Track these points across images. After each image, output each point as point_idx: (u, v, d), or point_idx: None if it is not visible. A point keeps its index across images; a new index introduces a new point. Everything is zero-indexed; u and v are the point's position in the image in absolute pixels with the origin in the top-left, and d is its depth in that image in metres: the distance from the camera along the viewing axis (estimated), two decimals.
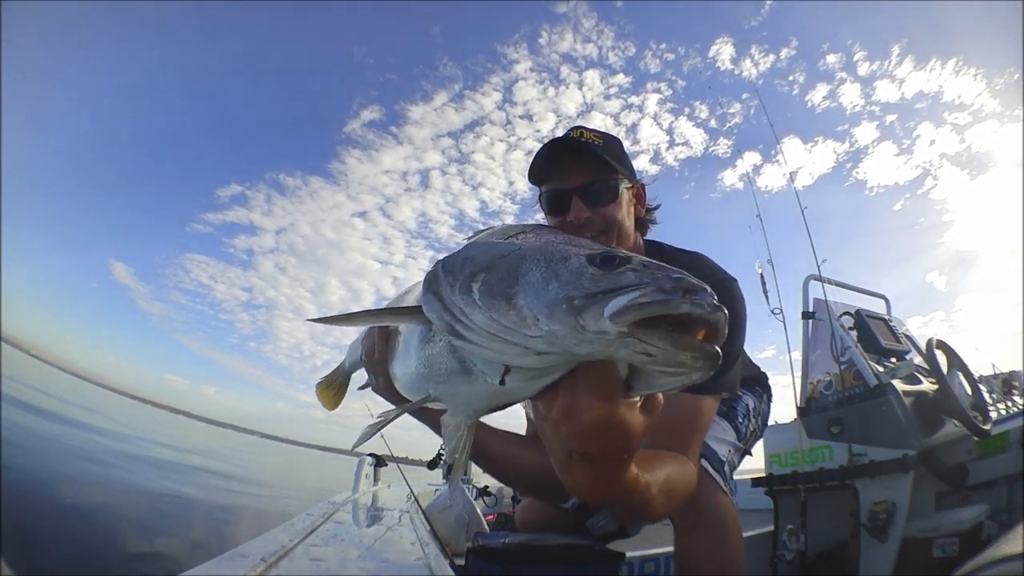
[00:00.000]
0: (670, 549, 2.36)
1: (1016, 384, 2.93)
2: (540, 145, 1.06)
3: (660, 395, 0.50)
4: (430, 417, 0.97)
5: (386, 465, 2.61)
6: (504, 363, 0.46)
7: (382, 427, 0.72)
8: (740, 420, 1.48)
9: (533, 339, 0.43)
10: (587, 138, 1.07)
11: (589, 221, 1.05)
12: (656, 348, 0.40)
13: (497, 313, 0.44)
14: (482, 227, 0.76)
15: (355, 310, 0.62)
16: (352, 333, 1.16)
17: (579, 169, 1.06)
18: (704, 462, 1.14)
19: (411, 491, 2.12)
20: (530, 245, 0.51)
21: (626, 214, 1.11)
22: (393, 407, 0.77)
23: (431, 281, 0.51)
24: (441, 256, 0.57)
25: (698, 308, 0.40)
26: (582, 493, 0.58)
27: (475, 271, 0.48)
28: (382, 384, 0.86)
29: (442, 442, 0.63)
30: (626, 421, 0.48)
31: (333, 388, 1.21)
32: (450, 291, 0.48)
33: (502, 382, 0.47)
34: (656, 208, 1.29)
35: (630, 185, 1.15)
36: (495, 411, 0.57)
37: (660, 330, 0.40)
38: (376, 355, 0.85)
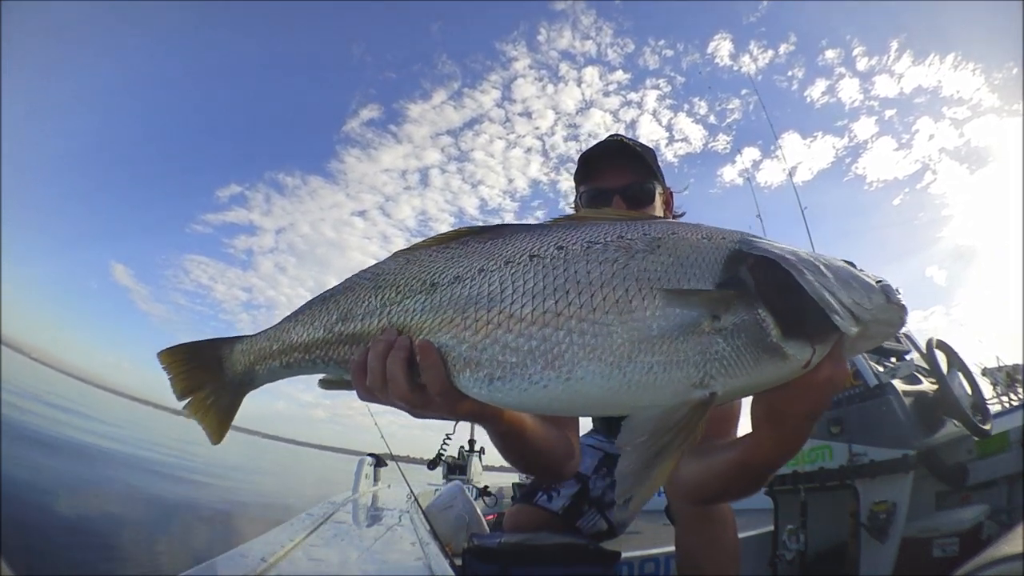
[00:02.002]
0: (670, 549, 2.37)
1: (1019, 377, 2.93)
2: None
3: None
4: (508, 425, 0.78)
5: (386, 465, 2.61)
6: (846, 332, 0.52)
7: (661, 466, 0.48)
8: None
9: (866, 310, 0.54)
10: (630, 144, 1.14)
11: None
12: (904, 316, 0.59)
13: (849, 290, 0.54)
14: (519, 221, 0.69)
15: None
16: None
17: (622, 171, 1.14)
18: None
19: (411, 491, 2.12)
20: None
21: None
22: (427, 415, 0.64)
23: (790, 264, 0.52)
24: None
25: None
26: (794, 451, 0.68)
27: (811, 261, 0.55)
28: (442, 399, 0.59)
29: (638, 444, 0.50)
30: None
31: (223, 410, 0.77)
32: (809, 273, 0.52)
33: (807, 364, 0.52)
34: (682, 215, 1.34)
35: (662, 191, 1.23)
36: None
37: None
38: (434, 365, 0.57)
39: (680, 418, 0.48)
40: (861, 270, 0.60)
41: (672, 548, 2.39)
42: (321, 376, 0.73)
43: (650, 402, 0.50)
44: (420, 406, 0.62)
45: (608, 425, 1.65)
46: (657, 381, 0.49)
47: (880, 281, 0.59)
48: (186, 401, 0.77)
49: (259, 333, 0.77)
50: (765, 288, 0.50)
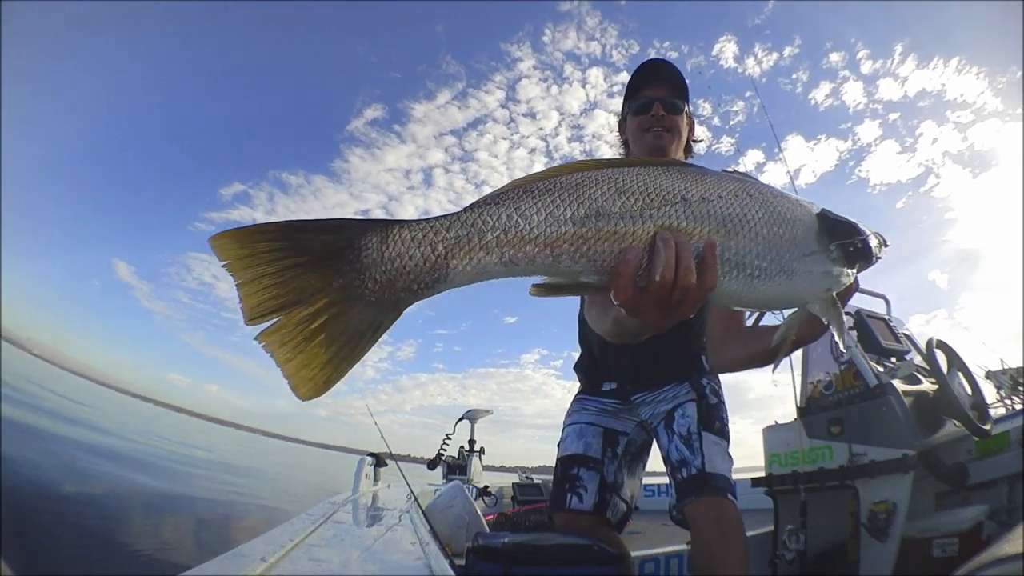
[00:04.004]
0: (670, 549, 2.37)
1: (1023, 380, 2.91)
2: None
3: None
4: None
5: (386, 465, 2.61)
6: (873, 263, 0.86)
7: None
8: (727, 424, 1.54)
9: (877, 250, 0.85)
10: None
11: (663, 119, 1.40)
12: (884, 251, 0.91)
13: (873, 239, 0.83)
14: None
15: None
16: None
17: (663, 86, 1.43)
18: (730, 496, 1.36)
19: (411, 491, 2.12)
20: None
21: (683, 130, 1.46)
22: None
23: (858, 226, 0.81)
24: None
25: None
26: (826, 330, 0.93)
27: (861, 224, 0.86)
28: (702, 295, 0.68)
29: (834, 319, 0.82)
30: None
31: (353, 335, 0.54)
32: (867, 232, 0.81)
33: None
34: (700, 141, 1.62)
35: (688, 113, 1.49)
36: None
37: None
38: (715, 264, 0.67)
39: (835, 305, 0.81)
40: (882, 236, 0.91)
41: (671, 548, 2.41)
42: (542, 280, 0.66)
43: (809, 299, 0.80)
44: (688, 300, 0.67)
45: (622, 388, 1.65)
46: (819, 285, 0.78)
47: (877, 232, 0.88)
48: (273, 321, 0.52)
49: (437, 219, 0.59)
50: (841, 236, 0.79)
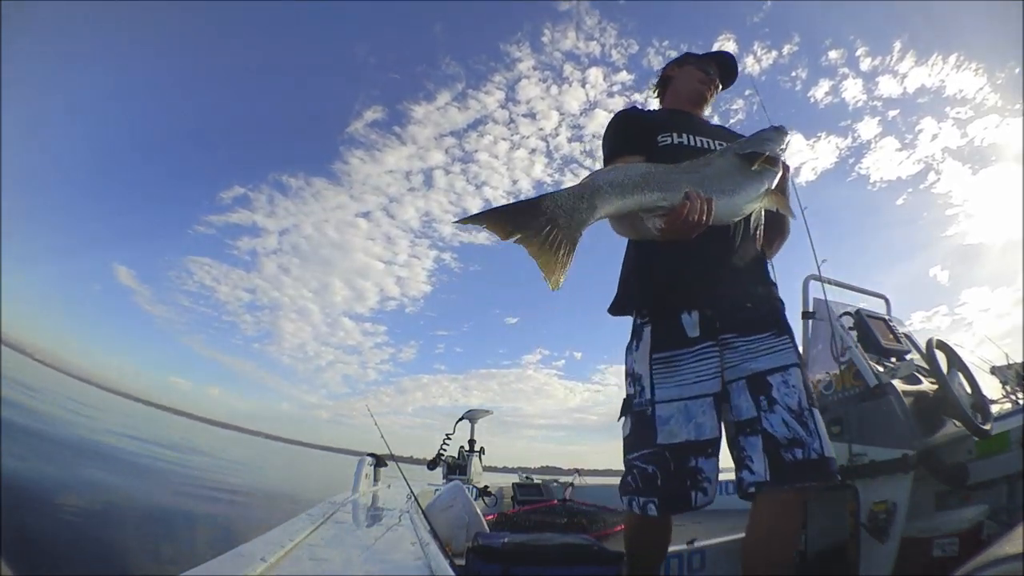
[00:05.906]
0: (670, 549, 2.37)
1: None
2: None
3: None
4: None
5: (386, 465, 2.61)
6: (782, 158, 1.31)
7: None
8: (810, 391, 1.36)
9: (783, 145, 1.29)
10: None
11: (714, 86, 1.84)
12: (787, 135, 1.35)
13: (778, 141, 1.29)
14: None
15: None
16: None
17: (726, 72, 1.89)
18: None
19: (411, 491, 2.12)
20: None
21: (715, 96, 1.89)
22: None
23: (761, 144, 1.25)
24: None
25: None
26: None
27: (763, 138, 1.29)
28: (708, 219, 1.12)
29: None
30: None
31: (560, 247, 1.02)
32: (769, 142, 1.26)
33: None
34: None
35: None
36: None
37: None
38: (713, 207, 1.15)
39: (774, 195, 1.28)
40: (777, 127, 1.30)
41: (671, 548, 2.40)
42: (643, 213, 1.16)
43: (758, 199, 1.23)
44: (702, 223, 1.11)
45: (708, 324, 1.41)
46: (759, 190, 1.22)
47: (780, 126, 1.30)
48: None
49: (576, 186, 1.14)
50: (754, 159, 1.22)
